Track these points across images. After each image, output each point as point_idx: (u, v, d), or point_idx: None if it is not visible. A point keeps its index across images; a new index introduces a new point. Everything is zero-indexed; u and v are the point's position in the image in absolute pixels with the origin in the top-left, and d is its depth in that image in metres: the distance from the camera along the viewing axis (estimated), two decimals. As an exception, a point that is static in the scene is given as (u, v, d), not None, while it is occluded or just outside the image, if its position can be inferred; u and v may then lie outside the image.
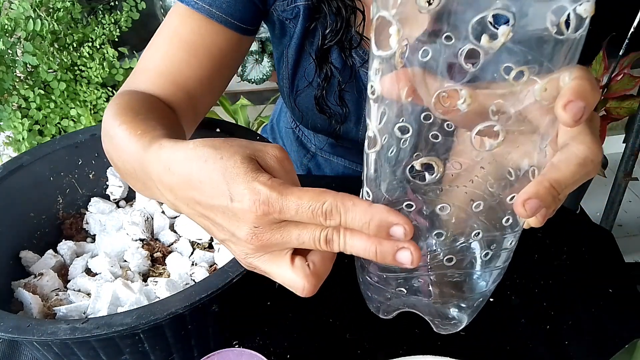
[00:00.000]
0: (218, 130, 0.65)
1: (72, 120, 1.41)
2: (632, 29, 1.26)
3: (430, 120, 0.31)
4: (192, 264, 0.60)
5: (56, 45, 1.39)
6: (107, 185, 0.69)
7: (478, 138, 0.31)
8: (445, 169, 0.33)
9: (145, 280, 0.58)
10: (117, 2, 1.52)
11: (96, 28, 1.43)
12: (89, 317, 0.53)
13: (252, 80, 1.58)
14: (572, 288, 0.63)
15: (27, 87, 1.35)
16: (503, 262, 0.37)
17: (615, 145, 1.93)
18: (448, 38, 0.28)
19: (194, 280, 0.58)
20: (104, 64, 1.40)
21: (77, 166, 0.67)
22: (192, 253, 0.62)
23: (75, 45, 1.40)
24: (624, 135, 1.87)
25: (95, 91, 1.41)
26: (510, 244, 0.35)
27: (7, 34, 1.25)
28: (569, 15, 0.26)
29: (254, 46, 1.55)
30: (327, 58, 0.68)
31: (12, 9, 1.28)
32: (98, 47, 1.41)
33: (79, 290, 0.57)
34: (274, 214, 0.32)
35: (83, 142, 0.66)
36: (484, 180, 0.33)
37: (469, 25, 0.27)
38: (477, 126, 0.30)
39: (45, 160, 0.64)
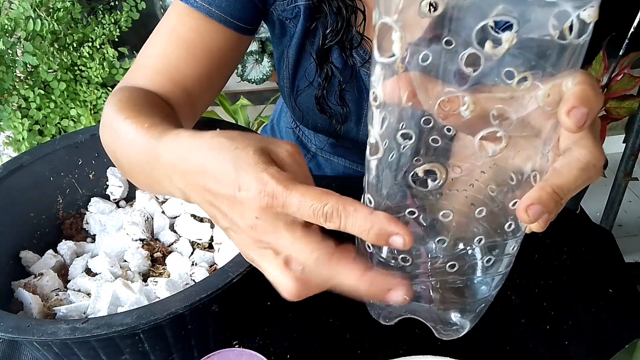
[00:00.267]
0: (218, 130, 0.65)
1: (72, 120, 1.41)
2: (632, 29, 1.26)
3: (430, 125, 0.31)
4: (192, 264, 0.60)
5: (56, 45, 1.39)
6: (107, 185, 0.69)
7: (480, 143, 0.30)
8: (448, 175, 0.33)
9: (145, 280, 0.58)
10: (117, 2, 1.52)
11: (96, 28, 1.43)
12: (89, 317, 0.53)
13: (252, 80, 1.58)
14: (572, 288, 0.63)
15: (27, 87, 1.35)
16: (505, 268, 0.36)
17: (615, 145, 1.93)
18: (448, 42, 0.28)
19: (194, 280, 0.58)
20: (104, 64, 1.40)
21: (77, 166, 0.67)
22: (192, 253, 0.62)
23: (75, 45, 1.40)
24: (624, 135, 1.87)
25: (95, 91, 1.41)
26: (513, 249, 0.35)
27: (7, 34, 1.25)
28: (572, 20, 0.26)
29: (254, 46, 1.55)
30: (328, 58, 0.68)
31: (12, 9, 1.28)
32: (98, 47, 1.42)
33: (79, 290, 0.57)
34: (277, 207, 0.32)
35: (83, 142, 0.66)
36: (484, 185, 0.33)
37: (473, 31, 0.27)
38: (481, 132, 0.30)
39: (45, 160, 0.64)
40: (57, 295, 0.56)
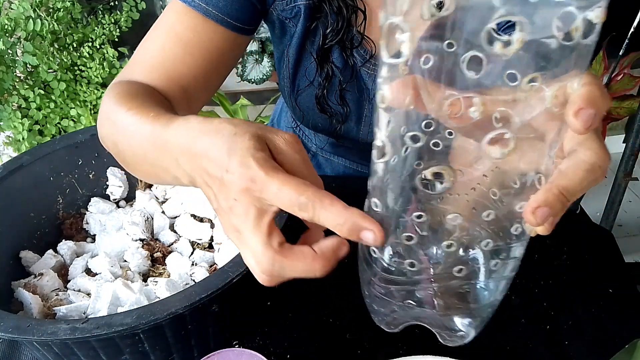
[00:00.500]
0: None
1: (72, 120, 1.41)
2: (632, 29, 1.26)
3: (432, 128, 0.31)
4: (192, 264, 0.60)
5: (56, 45, 1.39)
6: (107, 185, 0.69)
7: (486, 146, 0.30)
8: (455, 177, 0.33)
9: (145, 280, 0.58)
10: (117, 2, 1.52)
11: (96, 28, 1.43)
12: (89, 317, 0.53)
13: (252, 80, 1.58)
14: (572, 288, 0.63)
15: (27, 87, 1.35)
16: (510, 272, 0.36)
17: (615, 145, 1.93)
18: (450, 45, 0.28)
19: (194, 280, 0.58)
20: (104, 64, 1.40)
21: (77, 166, 0.67)
22: (192, 253, 0.62)
23: (75, 45, 1.40)
24: (624, 135, 1.87)
25: (95, 91, 1.41)
26: (518, 253, 0.35)
27: (7, 34, 1.25)
28: (579, 20, 0.26)
29: (254, 46, 1.55)
30: (328, 57, 0.67)
31: (12, 9, 1.29)
32: (98, 47, 1.42)
33: (79, 290, 0.57)
34: (255, 192, 0.33)
35: (83, 142, 0.66)
36: (487, 188, 0.33)
37: (482, 31, 0.26)
38: (489, 134, 0.29)
39: (45, 160, 0.64)
40: (57, 295, 0.56)
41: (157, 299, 0.53)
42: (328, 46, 0.66)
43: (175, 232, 0.64)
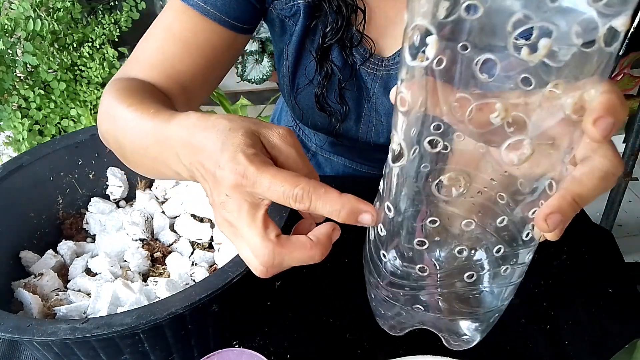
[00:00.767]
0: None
1: (72, 120, 1.41)
2: (632, 29, 1.26)
3: (441, 130, 0.31)
4: (192, 264, 0.60)
5: (56, 45, 1.39)
6: (107, 185, 0.69)
7: (503, 152, 0.30)
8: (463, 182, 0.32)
9: (145, 280, 0.58)
10: (117, 2, 1.52)
11: (96, 28, 1.43)
12: (89, 317, 0.53)
13: (252, 80, 1.58)
14: (572, 288, 0.63)
15: (27, 87, 1.35)
16: (518, 277, 0.36)
17: (615, 145, 1.92)
18: (464, 47, 0.27)
19: (194, 280, 0.58)
20: (104, 64, 1.40)
21: (77, 166, 0.67)
22: (192, 253, 0.62)
23: (75, 45, 1.41)
24: (624, 135, 1.87)
25: (95, 91, 1.41)
26: (526, 258, 0.35)
27: (7, 34, 1.25)
28: (605, 28, 0.25)
29: (254, 46, 1.55)
30: (328, 56, 0.68)
31: (12, 9, 1.29)
32: (98, 47, 1.42)
33: (79, 290, 0.57)
34: (247, 187, 0.33)
35: (83, 142, 0.66)
36: (494, 193, 0.33)
37: (510, 38, 0.26)
38: (507, 140, 0.29)
39: (45, 160, 0.64)
40: (57, 295, 0.56)
41: (157, 299, 0.53)
42: (327, 45, 0.66)
43: (175, 232, 0.64)
